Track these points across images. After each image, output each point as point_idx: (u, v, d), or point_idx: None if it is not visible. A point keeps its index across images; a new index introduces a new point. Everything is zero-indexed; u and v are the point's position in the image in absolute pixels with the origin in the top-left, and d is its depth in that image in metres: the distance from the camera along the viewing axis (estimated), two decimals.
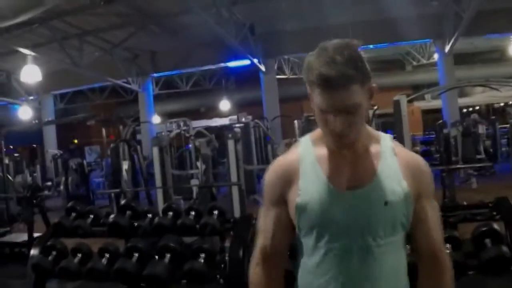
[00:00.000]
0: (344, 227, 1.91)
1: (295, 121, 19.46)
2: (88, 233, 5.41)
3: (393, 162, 1.98)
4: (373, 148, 2.01)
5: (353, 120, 1.85)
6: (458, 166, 12.59)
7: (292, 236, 2.09)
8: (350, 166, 1.97)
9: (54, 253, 5.09)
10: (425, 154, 17.52)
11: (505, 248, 3.95)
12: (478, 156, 14.99)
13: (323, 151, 2.02)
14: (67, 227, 5.42)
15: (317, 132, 2.06)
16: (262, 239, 2.14)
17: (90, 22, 16.60)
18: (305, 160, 2.04)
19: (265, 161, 16.79)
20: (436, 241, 2.02)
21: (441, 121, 11.85)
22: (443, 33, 18.31)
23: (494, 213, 4.57)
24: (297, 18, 17.96)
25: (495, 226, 4.13)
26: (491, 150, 17.38)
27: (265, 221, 2.13)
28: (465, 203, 5.08)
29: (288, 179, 2.03)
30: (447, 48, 18.57)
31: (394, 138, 2.17)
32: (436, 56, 21.08)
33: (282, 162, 2.12)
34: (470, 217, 4.66)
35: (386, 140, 2.05)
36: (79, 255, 4.94)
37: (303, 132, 15.56)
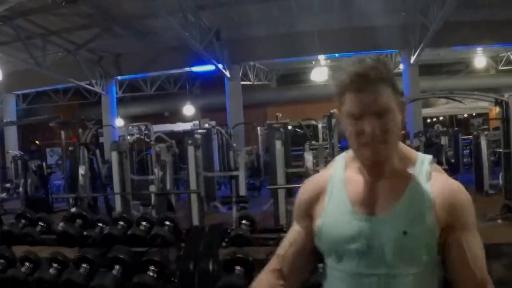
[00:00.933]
0: (360, 254, 1.83)
1: (258, 128, 19.47)
2: (37, 241, 5.29)
3: (424, 188, 1.83)
4: (405, 171, 1.89)
5: (385, 127, 1.75)
6: None
7: (311, 258, 2.05)
8: (376, 190, 1.88)
9: (1, 261, 4.97)
10: None
11: None
12: (441, 167, 15.09)
13: (353, 172, 1.95)
14: (16, 234, 5.29)
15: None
16: (279, 250, 2.11)
17: (54, 22, 16.39)
18: (334, 180, 1.98)
19: (227, 168, 16.71)
20: (481, 273, 1.83)
21: (403, 131, 11.85)
22: (409, 44, 18.46)
23: None
24: (264, 24, 17.96)
25: None
26: (453, 160, 17.54)
27: (288, 235, 2.11)
28: None
29: (315, 198, 2.00)
30: (412, 59, 18.76)
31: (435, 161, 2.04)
32: (401, 67, 21.25)
33: (313, 180, 2.09)
34: None
35: (422, 162, 1.91)
36: (27, 264, 4.83)
37: (266, 140, 15.63)
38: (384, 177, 1.87)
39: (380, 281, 1.80)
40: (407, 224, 1.78)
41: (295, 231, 2.07)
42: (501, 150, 11.66)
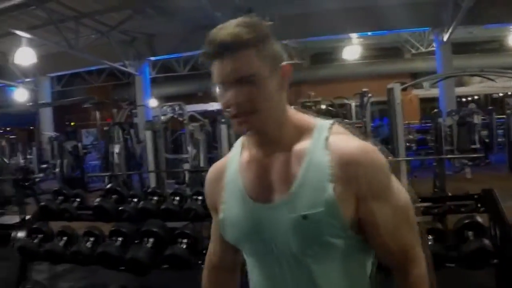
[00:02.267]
0: (266, 245, 1.68)
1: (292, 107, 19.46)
2: (74, 217, 5.43)
3: (322, 161, 1.59)
4: (300, 145, 1.65)
5: (250, 95, 1.57)
6: (449, 156, 12.60)
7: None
8: (270, 171, 1.69)
9: (40, 235, 5.10)
10: (420, 143, 17.61)
11: (486, 241, 3.94)
12: (473, 146, 14.99)
13: (248, 154, 1.78)
14: (53, 210, 5.43)
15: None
16: (209, 249, 2.03)
17: (86, 4, 16.51)
18: (230, 167, 1.82)
19: None
20: (399, 251, 1.66)
21: (436, 110, 11.81)
22: (441, 22, 18.23)
23: (479, 205, 4.56)
24: (295, 2, 17.86)
25: (478, 218, 4.12)
26: (487, 140, 17.38)
27: (212, 230, 1.99)
28: (449, 194, 5.09)
29: (216, 189, 1.85)
30: (445, 37, 18.54)
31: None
32: (434, 45, 21.03)
33: (214, 168, 1.92)
34: (455, 208, 4.65)
35: (321, 129, 1.66)
36: (65, 238, 4.96)
37: None
38: (276, 154, 1.68)
39: (292, 271, 1.66)
40: (307, 206, 1.57)
41: (213, 226, 1.95)
42: None
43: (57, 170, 17.32)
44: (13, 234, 5.47)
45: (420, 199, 4.86)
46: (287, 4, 17.96)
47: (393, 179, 1.67)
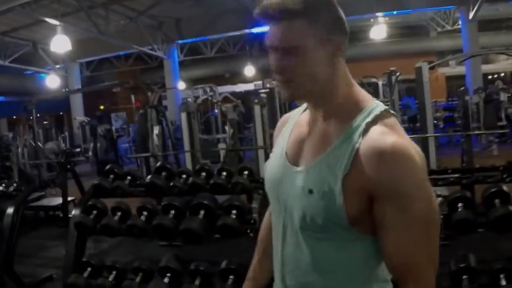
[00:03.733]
0: (282, 206, 1.74)
1: None
2: (126, 193, 5.78)
3: (349, 147, 1.55)
4: (343, 122, 1.61)
5: (292, 64, 1.58)
6: (476, 132, 12.76)
7: None
8: (309, 138, 1.73)
9: (95, 212, 5.45)
10: (447, 120, 17.75)
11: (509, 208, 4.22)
12: (500, 123, 15.12)
13: (305, 115, 1.81)
14: (107, 187, 5.79)
15: None
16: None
17: None
18: (289, 122, 1.89)
19: None
20: (400, 265, 1.55)
21: (463, 87, 11.95)
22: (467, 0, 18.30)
23: (505, 175, 4.86)
24: None
25: (504, 187, 4.40)
26: None
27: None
28: (477, 166, 5.38)
29: (278, 137, 1.93)
30: (471, 15, 18.59)
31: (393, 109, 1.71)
32: (460, 23, 21.06)
33: (282, 118, 1.99)
34: (482, 179, 4.95)
35: (370, 112, 1.60)
36: (119, 213, 5.30)
37: None
38: (320, 124, 1.69)
39: (292, 238, 1.71)
40: (317, 182, 1.58)
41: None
42: None
43: (90, 153, 17.79)
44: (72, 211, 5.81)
45: (449, 171, 5.20)
46: None
47: (424, 189, 1.52)
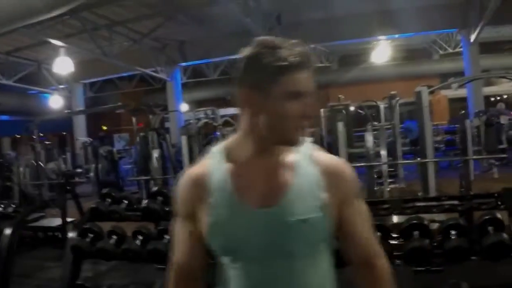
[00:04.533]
0: (260, 250, 1.79)
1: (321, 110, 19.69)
2: (122, 217, 5.80)
3: (311, 172, 1.85)
4: (290, 157, 1.87)
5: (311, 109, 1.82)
6: (474, 157, 12.77)
7: (207, 255, 1.96)
8: (263, 179, 1.84)
9: (91, 235, 5.48)
10: (449, 144, 17.69)
11: (505, 235, 4.23)
12: (500, 146, 15.08)
13: (236, 163, 1.88)
14: (103, 211, 5.82)
15: (231, 141, 1.94)
16: (176, 257, 2.01)
17: (119, 13, 17.00)
18: (215, 175, 1.88)
19: None
20: (367, 247, 1.94)
21: (463, 111, 11.99)
22: (468, 22, 18.34)
23: (499, 203, 4.87)
24: (323, 6, 18.03)
25: (498, 214, 4.41)
26: None
27: (179, 237, 2.00)
28: (471, 193, 5.38)
29: (199, 196, 1.88)
30: (472, 37, 18.63)
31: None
32: (461, 45, 21.11)
33: (192, 176, 1.95)
34: (477, 206, 4.95)
35: (305, 146, 1.90)
36: (115, 237, 5.32)
37: (328, 121, 15.89)
38: (270, 163, 1.85)
39: (286, 273, 1.79)
40: (304, 211, 1.77)
41: (187, 230, 1.95)
42: None
43: (91, 174, 17.79)
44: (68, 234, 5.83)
45: (444, 197, 5.21)
46: (314, 9, 18.24)
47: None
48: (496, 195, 4.94)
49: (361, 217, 1.94)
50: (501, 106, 19.07)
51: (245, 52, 1.79)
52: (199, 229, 1.89)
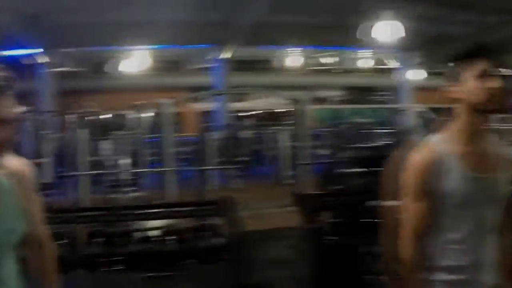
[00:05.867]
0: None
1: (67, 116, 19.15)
2: None
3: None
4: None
5: None
6: (208, 167, 13.10)
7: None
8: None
9: None
10: (196, 155, 18.15)
11: (217, 240, 4.50)
12: (241, 158, 15.72)
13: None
14: None
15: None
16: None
17: None
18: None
19: None
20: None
21: (204, 125, 12.41)
22: (224, 41, 19.26)
23: (217, 210, 5.16)
24: (76, 11, 17.60)
25: (213, 221, 4.68)
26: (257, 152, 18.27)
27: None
28: (192, 200, 5.64)
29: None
30: (226, 55, 19.43)
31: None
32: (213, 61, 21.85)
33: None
34: (196, 213, 5.19)
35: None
36: None
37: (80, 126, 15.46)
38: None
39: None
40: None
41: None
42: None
43: None
44: None
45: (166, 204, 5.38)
46: (72, 13, 17.75)
47: None
48: (215, 203, 5.23)
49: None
50: (249, 122, 20.02)
51: None
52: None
